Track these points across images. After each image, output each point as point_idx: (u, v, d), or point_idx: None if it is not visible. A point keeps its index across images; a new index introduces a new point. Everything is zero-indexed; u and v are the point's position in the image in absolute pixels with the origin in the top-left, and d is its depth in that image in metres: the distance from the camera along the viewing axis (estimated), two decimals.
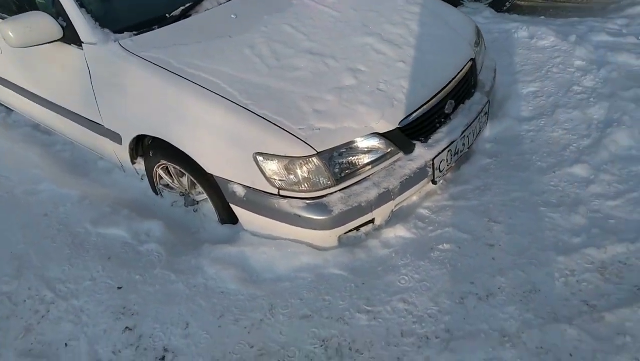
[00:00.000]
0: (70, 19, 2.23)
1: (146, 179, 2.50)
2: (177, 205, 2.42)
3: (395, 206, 2.07)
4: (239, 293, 1.82)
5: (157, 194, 2.49)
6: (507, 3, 4.20)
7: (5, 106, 3.38)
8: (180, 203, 2.43)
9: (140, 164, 2.45)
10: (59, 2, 2.24)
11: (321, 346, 1.61)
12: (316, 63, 2.13)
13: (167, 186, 2.43)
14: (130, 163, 2.44)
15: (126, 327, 1.74)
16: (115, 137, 2.36)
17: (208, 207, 2.27)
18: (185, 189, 2.33)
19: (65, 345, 1.71)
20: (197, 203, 2.35)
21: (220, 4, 2.45)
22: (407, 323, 1.66)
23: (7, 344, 1.73)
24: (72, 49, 2.28)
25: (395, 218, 2.10)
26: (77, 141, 2.75)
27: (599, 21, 3.79)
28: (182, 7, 2.35)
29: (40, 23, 2.18)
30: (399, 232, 2.03)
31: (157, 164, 2.30)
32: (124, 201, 2.41)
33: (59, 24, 2.22)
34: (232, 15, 2.36)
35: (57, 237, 2.14)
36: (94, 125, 2.41)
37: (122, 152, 2.40)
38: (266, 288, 1.83)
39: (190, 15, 2.36)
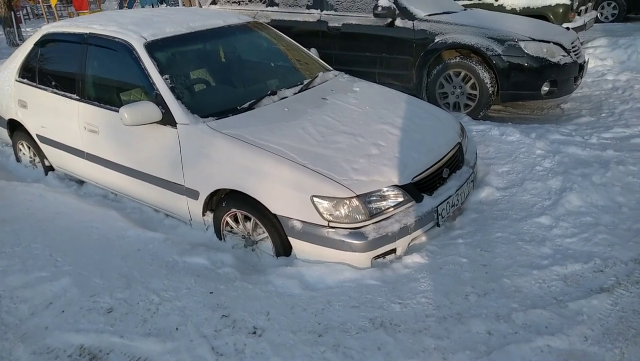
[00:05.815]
0: (169, 107, 3.09)
1: (211, 230, 3.19)
2: (237, 247, 3.08)
3: (411, 240, 2.79)
4: (302, 295, 2.45)
5: (220, 239, 3.15)
6: (481, 113, 5.27)
7: (77, 180, 4.14)
8: (240, 245, 3.09)
9: (208, 217, 3.16)
10: (161, 95, 3.12)
11: (369, 322, 2.22)
12: (350, 139, 2.98)
13: (230, 231, 3.10)
14: (201, 215, 3.15)
15: (222, 315, 2.32)
16: (193, 194, 3.09)
17: (265, 245, 2.94)
18: (248, 232, 3.01)
19: (177, 329, 2.28)
20: (256, 243, 3.02)
21: (275, 102, 3.35)
22: (429, 309, 2.29)
23: (130, 330, 2.29)
24: (167, 128, 3.10)
25: (411, 251, 2.79)
26: (150, 201, 3.46)
27: (554, 127, 4.82)
28: (249, 102, 3.25)
29: (149, 109, 3.03)
30: (415, 259, 2.71)
31: (227, 213, 3.01)
32: (197, 243, 3.06)
33: (160, 110, 3.08)
34: (285, 109, 3.26)
35: (152, 263, 2.77)
36: (176, 186, 3.16)
37: (196, 206, 3.12)
38: (322, 292, 2.46)
39: (254, 108, 3.25)
